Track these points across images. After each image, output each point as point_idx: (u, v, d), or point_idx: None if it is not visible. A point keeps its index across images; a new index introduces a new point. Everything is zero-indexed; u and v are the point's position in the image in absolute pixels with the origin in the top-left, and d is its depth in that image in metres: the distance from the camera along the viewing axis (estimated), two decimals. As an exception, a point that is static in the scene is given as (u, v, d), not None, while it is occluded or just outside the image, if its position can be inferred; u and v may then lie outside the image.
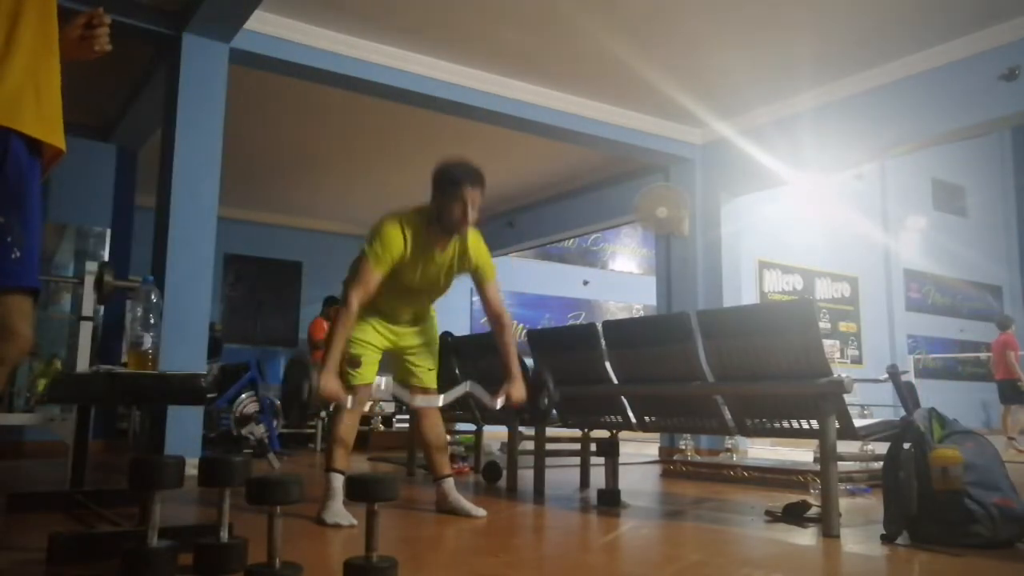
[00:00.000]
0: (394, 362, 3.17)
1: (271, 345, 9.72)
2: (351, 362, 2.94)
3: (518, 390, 2.93)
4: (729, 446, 5.38)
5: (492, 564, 2.16)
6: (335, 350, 2.74)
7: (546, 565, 2.23)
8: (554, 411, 3.41)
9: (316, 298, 8.77)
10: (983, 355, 14.04)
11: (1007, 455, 5.64)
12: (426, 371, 3.13)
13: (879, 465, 3.24)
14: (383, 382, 3.06)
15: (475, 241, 2.97)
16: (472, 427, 5.08)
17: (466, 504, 2.98)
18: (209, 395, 5.79)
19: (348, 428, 2.95)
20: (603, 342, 3.54)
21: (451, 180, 2.81)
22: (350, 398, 2.84)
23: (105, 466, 4.80)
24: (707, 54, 5.18)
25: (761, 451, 6.34)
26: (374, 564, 1.71)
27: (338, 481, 2.81)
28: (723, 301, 6.23)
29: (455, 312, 10.46)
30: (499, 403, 2.91)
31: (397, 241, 2.79)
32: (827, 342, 3.23)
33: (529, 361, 4.17)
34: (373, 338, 3.00)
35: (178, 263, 4.38)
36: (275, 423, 5.81)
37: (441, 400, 3.09)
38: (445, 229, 2.84)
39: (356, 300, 2.76)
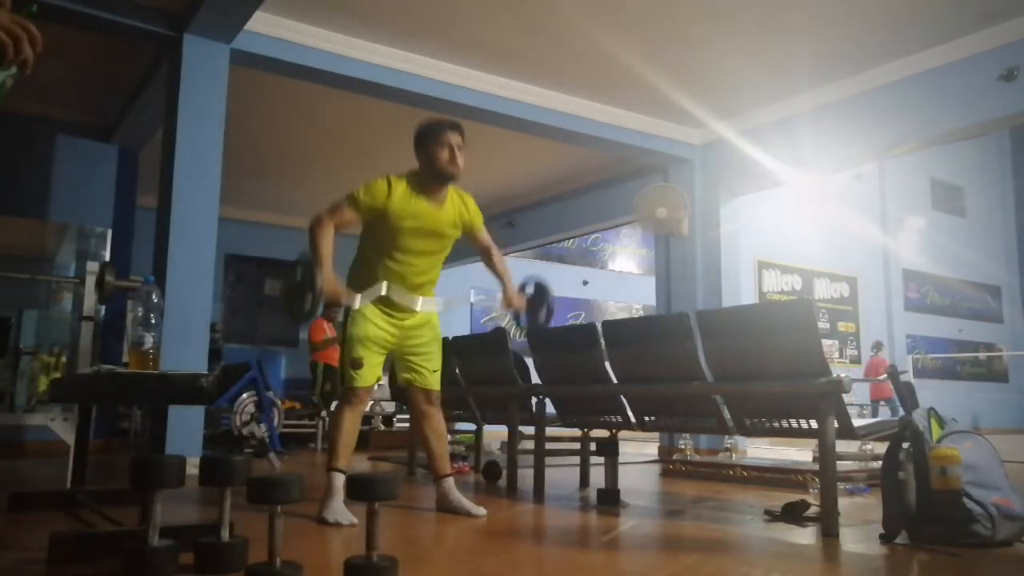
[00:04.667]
0: (396, 361, 3.14)
1: (272, 345, 9.73)
2: (353, 363, 2.91)
3: (516, 298, 3.15)
4: (728, 446, 5.39)
5: (492, 563, 2.17)
6: (323, 257, 2.79)
7: (546, 565, 2.24)
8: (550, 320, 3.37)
9: (316, 298, 8.75)
10: (982, 355, 14.07)
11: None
12: (430, 372, 3.10)
13: (878, 464, 3.24)
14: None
15: (468, 196, 3.13)
16: (472, 426, 5.09)
17: (466, 503, 2.99)
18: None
19: (350, 428, 2.94)
20: (603, 342, 3.55)
21: (431, 129, 2.94)
22: (357, 297, 2.91)
23: (106, 466, 4.81)
24: (706, 55, 5.19)
25: (760, 450, 6.35)
26: (374, 563, 1.72)
27: (339, 480, 2.81)
28: (722, 301, 6.24)
29: (455, 313, 10.48)
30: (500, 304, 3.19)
31: (381, 189, 2.88)
32: (826, 342, 3.23)
33: (529, 361, 4.19)
34: (376, 336, 2.96)
35: (179, 263, 4.39)
36: (276, 422, 5.81)
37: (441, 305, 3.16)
38: (438, 177, 2.93)
39: (327, 219, 2.86)
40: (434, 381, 3.11)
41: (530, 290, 3.27)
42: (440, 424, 3.15)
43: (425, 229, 2.96)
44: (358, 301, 2.92)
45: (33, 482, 4.17)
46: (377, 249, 2.98)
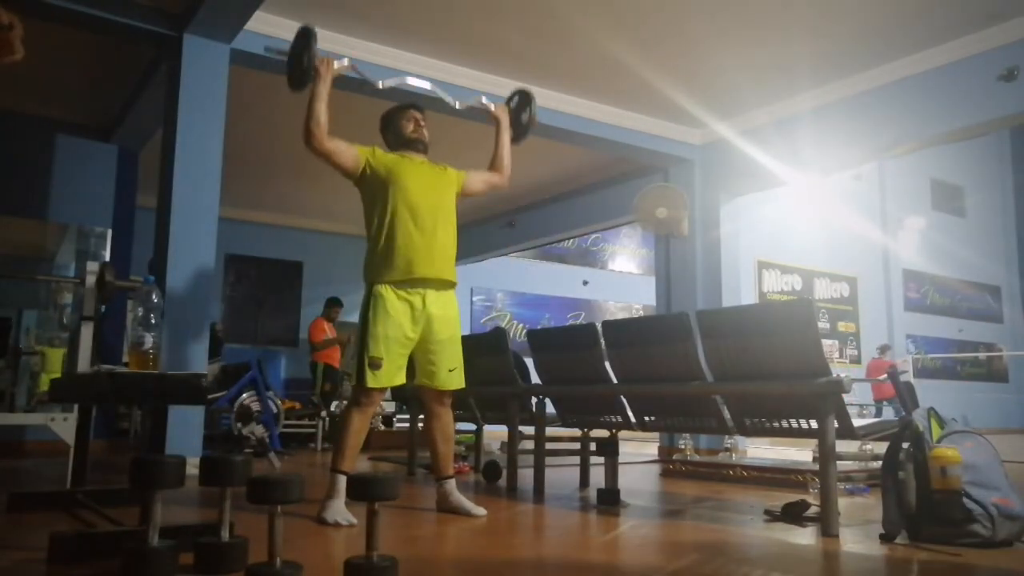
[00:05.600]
0: (412, 358, 3.04)
1: (272, 345, 9.73)
2: (372, 363, 2.86)
3: (500, 107, 3.46)
4: (728, 446, 5.39)
5: (492, 564, 2.17)
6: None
7: (546, 565, 2.24)
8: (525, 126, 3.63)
9: (316, 298, 8.77)
10: (982, 355, 14.07)
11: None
12: (445, 372, 3.04)
13: (878, 465, 3.25)
14: None
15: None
16: (472, 426, 5.09)
17: (466, 503, 2.98)
18: (211, 395, 5.81)
19: (358, 430, 2.92)
20: (603, 342, 3.55)
21: (393, 110, 3.23)
22: (347, 61, 3.05)
23: (106, 466, 4.81)
24: (707, 55, 5.19)
25: (760, 450, 6.35)
26: (374, 563, 1.72)
27: (342, 483, 2.79)
28: (722, 301, 6.24)
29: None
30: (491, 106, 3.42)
31: (368, 148, 3.11)
32: (826, 342, 3.23)
33: (529, 361, 4.19)
34: (396, 332, 2.89)
35: (179, 263, 4.39)
36: (275, 422, 5.81)
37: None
38: (408, 146, 3.14)
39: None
40: (448, 381, 3.06)
41: (513, 103, 3.56)
42: (449, 426, 3.14)
43: (418, 164, 3.08)
44: (347, 62, 3.03)
45: (33, 482, 4.17)
46: (384, 211, 2.98)
